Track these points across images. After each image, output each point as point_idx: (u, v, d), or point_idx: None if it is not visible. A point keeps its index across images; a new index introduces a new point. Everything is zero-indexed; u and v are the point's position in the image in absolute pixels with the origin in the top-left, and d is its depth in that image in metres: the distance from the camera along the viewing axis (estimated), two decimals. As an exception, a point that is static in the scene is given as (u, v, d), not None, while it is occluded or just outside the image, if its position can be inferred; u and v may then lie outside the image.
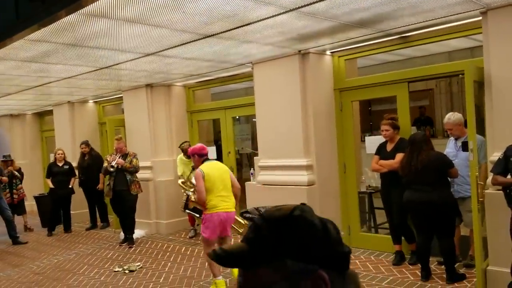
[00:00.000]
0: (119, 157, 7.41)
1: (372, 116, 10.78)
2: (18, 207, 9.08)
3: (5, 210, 8.27)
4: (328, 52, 6.15)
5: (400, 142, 5.34)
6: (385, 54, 6.34)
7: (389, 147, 5.42)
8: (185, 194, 6.25)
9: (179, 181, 6.41)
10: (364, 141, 6.71)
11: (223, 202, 4.94)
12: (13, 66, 5.75)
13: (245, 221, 6.59)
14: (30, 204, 10.30)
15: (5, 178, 8.56)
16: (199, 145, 5.44)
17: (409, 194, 4.79)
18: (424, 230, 4.80)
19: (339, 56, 6.18)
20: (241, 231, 6.22)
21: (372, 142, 5.96)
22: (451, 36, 5.24)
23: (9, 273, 6.58)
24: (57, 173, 8.83)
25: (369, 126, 10.48)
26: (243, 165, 10.73)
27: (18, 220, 9.02)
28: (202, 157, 5.18)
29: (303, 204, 0.87)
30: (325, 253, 0.81)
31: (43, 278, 6.19)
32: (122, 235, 7.81)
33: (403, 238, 5.50)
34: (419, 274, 4.92)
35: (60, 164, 8.91)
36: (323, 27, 4.80)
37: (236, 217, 6.05)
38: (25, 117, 12.18)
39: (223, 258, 0.81)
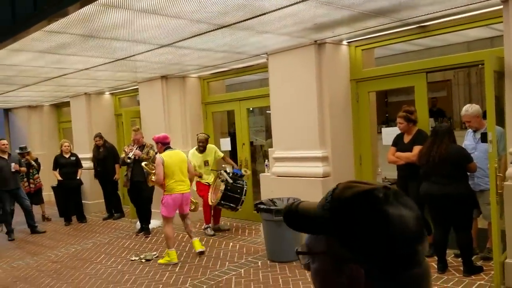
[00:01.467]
0: (136, 148, 7.51)
1: (388, 107, 10.64)
2: (35, 197, 9.29)
3: (24, 200, 8.43)
4: (344, 42, 6.07)
5: (417, 134, 5.27)
6: (403, 44, 6.23)
7: (406, 138, 5.35)
8: (223, 183, 6.73)
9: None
10: (381, 132, 6.63)
11: (179, 186, 5.84)
12: (30, 57, 5.81)
13: (196, 201, 6.70)
14: (48, 194, 10.47)
15: (23, 169, 8.71)
16: (163, 134, 6.16)
17: (427, 186, 4.74)
18: (441, 223, 4.74)
19: (356, 46, 6.10)
20: (192, 208, 6.34)
21: (389, 133, 5.88)
22: (471, 25, 5.12)
23: (28, 261, 6.72)
24: (64, 164, 8.99)
25: (386, 117, 10.35)
26: (257, 157, 10.72)
27: (36, 209, 9.19)
28: (164, 145, 5.97)
29: (386, 188, 0.79)
30: (380, 251, 0.75)
31: (61, 267, 6.30)
32: (138, 225, 7.90)
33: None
34: (436, 266, 4.86)
35: (67, 156, 9.06)
36: (340, 16, 4.74)
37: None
38: (42, 108, 12.35)
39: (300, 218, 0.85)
